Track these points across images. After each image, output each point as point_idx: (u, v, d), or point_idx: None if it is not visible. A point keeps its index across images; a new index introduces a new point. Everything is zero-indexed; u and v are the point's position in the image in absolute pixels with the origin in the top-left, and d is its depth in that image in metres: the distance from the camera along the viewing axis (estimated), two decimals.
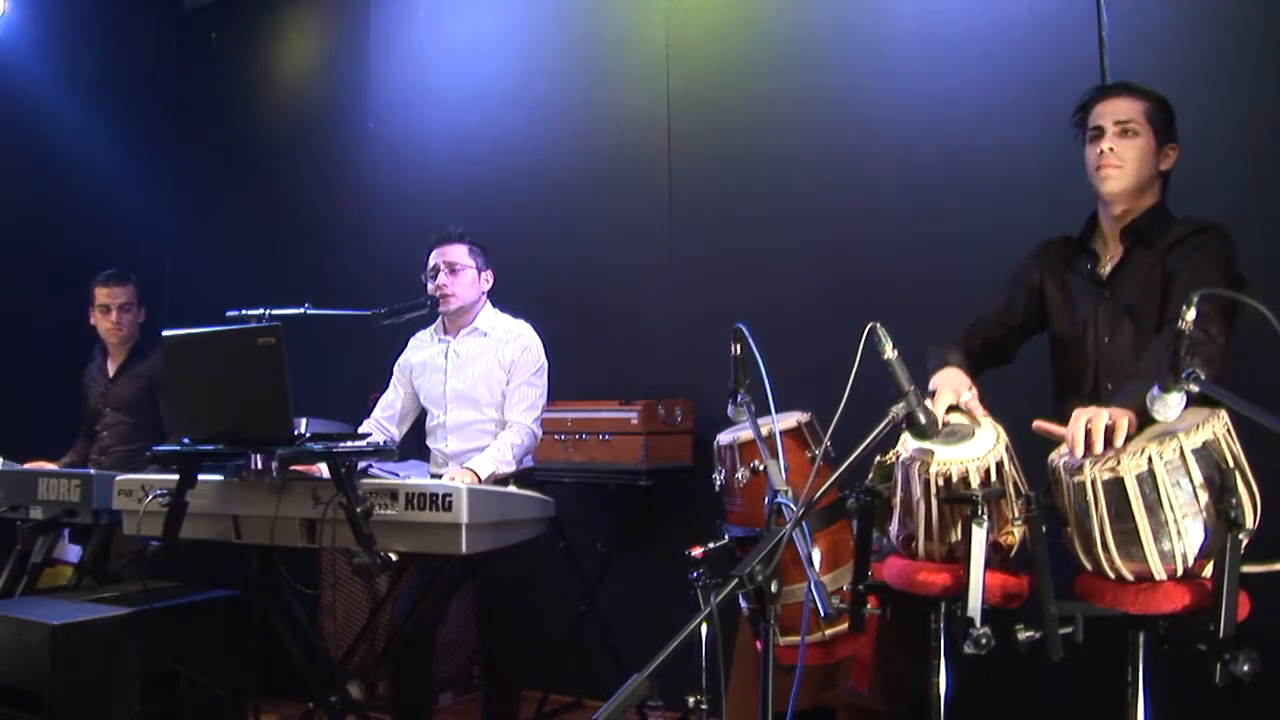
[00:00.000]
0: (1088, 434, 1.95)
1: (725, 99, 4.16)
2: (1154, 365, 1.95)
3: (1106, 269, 2.44)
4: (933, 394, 2.24)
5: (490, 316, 3.44)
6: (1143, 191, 2.38)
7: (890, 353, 1.94)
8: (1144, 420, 1.93)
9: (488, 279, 3.44)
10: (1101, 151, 2.35)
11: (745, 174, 4.09)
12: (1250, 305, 1.80)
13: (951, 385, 2.25)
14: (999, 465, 2.08)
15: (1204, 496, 1.87)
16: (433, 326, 3.51)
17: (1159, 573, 1.90)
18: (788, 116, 4.00)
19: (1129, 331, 2.36)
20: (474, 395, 3.35)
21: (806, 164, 3.94)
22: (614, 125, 4.45)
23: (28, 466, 3.95)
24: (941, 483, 2.07)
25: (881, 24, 3.83)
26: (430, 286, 3.37)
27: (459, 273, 3.36)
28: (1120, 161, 2.34)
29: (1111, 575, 1.94)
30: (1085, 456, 1.95)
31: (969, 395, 2.25)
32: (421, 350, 3.50)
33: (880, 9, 3.85)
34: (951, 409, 2.23)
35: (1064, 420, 2.03)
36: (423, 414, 3.52)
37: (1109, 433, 1.94)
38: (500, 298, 3.51)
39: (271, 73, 5.74)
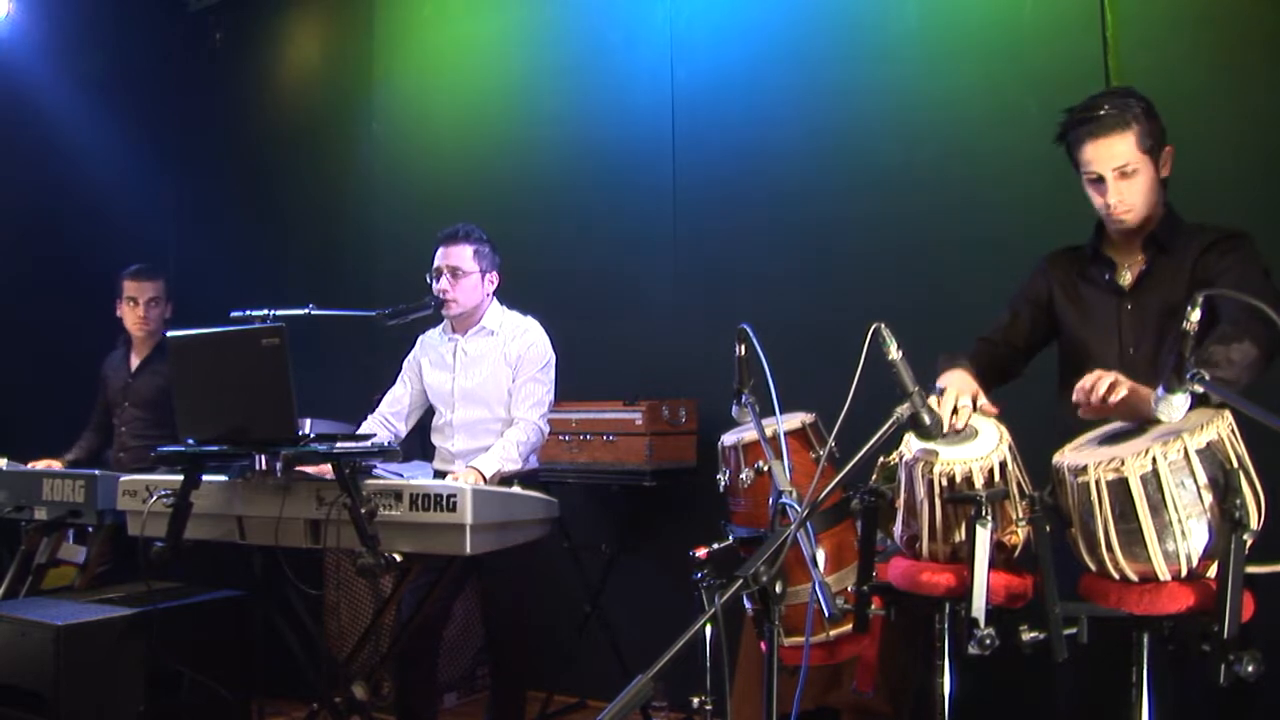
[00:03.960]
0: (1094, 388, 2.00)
1: (729, 99, 4.16)
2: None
3: (1127, 278, 2.41)
4: (940, 392, 2.24)
5: (498, 314, 3.44)
6: (1154, 208, 2.38)
7: (894, 353, 1.95)
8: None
9: (492, 280, 3.43)
10: (1109, 204, 2.33)
11: (749, 174, 4.09)
12: (1255, 306, 1.81)
13: (957, 386, 2.25)
14: (1002, 465, 2.08)
15: (1208, 497, 1.86)
16: (442, 325, 3.51)
17: (1163, 573, 1.90)
18: (791, 117, 4.00)
19: (1153, 341, 2.34)
20: (481, 394, 3.36)
21: (811, 164, 3.94)
22: (618, 126, 4.44)
23: (32, 467, 3.96)
24: (945, 483, 2.06)
25: (885, 24, 3.83)
26: (434, 287, 3.38)
27: (461, 278, 3.34)
28: (1130, 206, 2.33)
29: (1115, 576, 1.94)
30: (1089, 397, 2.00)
31: (970, 400, 2.24)
32: (431, 348, 3.50)
33: (883, 9, 3.85)
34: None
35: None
36: (428, 412, 3.52)
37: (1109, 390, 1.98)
38: (504, 298, 3.50)
39: (275, 74, 5.75)
